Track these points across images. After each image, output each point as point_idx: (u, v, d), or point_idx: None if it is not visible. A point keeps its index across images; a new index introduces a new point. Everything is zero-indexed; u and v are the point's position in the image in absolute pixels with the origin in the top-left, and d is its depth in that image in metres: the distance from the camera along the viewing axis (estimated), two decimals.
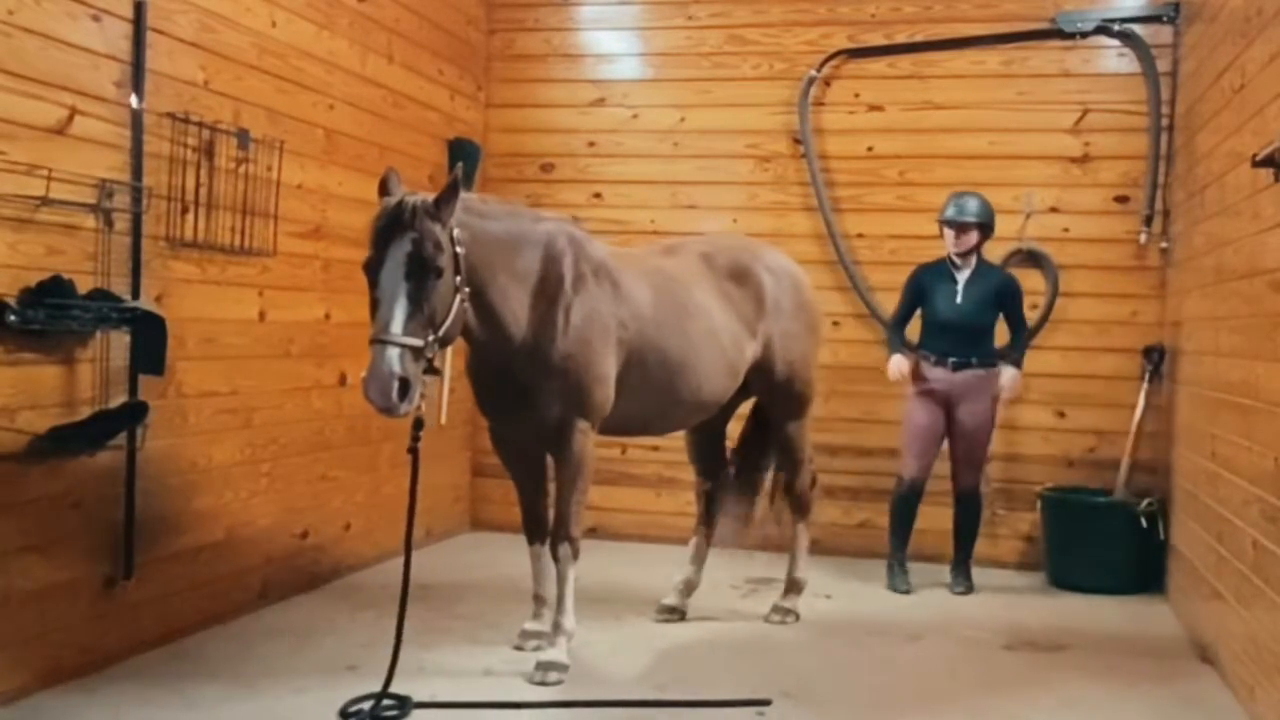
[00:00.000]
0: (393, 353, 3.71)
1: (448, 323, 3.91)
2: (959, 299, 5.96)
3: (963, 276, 5.99)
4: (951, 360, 5.92)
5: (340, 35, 5.72)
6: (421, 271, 3.79)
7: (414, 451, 4.00)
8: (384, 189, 4.00)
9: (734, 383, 5.10)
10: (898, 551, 6.12)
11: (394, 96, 6.24)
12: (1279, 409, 3.94)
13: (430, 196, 3.93)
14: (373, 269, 3.85)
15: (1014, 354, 5.99)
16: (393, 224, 3.84)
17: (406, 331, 3.75)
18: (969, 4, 6.72)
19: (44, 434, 3.93)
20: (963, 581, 6.07)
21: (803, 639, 5.09)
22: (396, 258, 3.80)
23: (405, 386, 3.72)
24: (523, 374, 4.36)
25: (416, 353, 3.78)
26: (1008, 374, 5.94)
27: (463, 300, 4.00)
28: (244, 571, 5.10)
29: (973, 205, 5.97)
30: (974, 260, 6.01)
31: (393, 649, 3.99)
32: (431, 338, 3.83)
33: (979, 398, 5.91)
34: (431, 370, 3.91)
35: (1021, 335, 6.03)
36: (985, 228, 6.00)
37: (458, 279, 3.96)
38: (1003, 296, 5.98)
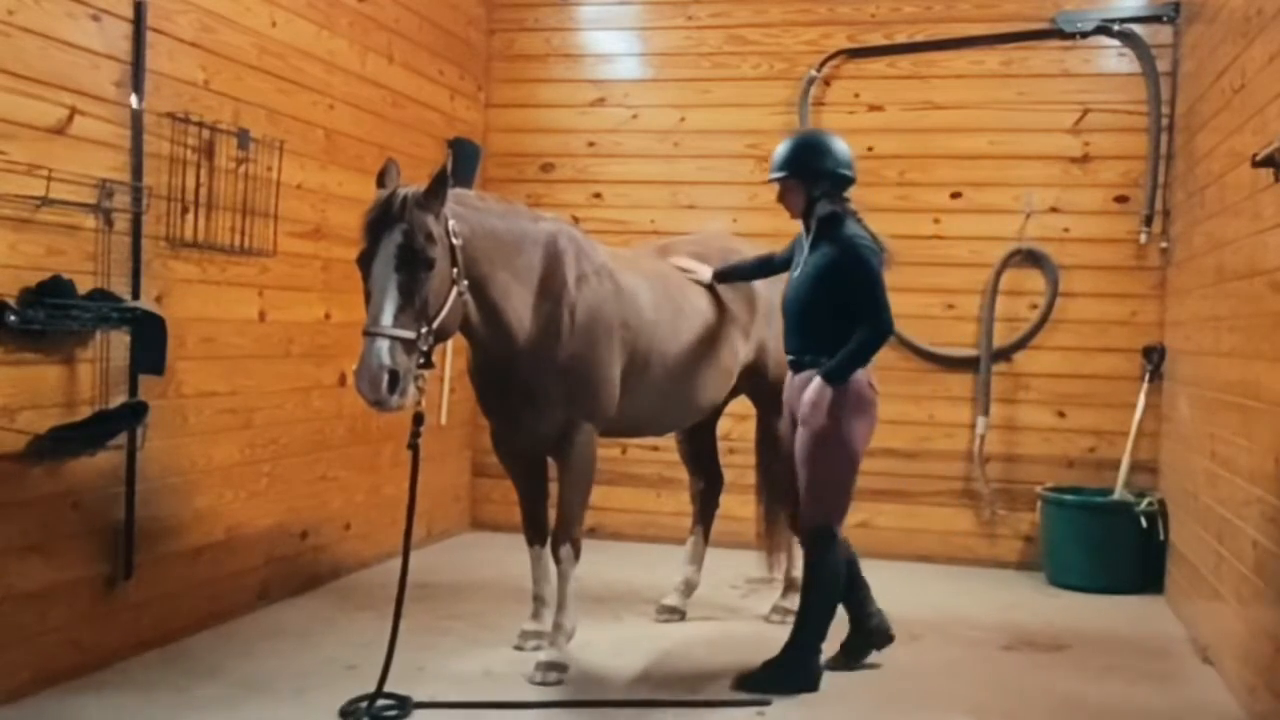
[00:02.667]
0: (382, 344, 3.69)
1: (442, 314, 3.88)
2: (796, 273, 4.43)
3: (807, 247, 4.44)
4: (789, 358, 4.47)
5: (340, 35, 5.71)
6: (413, 263, 3.76)
7: (414, 448, 3.98)
8: (382, 180, 3.98)
9: (729, 385, 5.10)
10: None
11: (394, 96, 6.24)
12: (1279, 409, 3.94)
13: (420, 188, 3.90)
14: (365, 262, 3.84)
15: (837, 357, 4.17)
16: (383, 216, 3.82)
17: (397, 324, 3.72)
18: (969, 4, 6.72)
19: (44, 434, 3.92)
20: (758, 679, 4.29)
21: None
22: (387, 250, 3.78)
23: (395, 379, 3.69)
24: (527, 375, 4.34)
25: (408, 345, 3.75)
26: (811, 385, 4.21)
27: (460, 293, 3.96)
28: (244, 571, 5.10)
29: (776, 155, 4.43)
30: (814, 224, 4.38)
31: (387, 649, 3.98)
32: (425, 330, 3.80)
33: (814, 412, 4.19)
34: (428, 364, 3.87)
35: (865, 332, 4.16)
36: (805, 178, 4.35)
37: (454, 271, 3.93)
38: (830, 272, 4.24)
